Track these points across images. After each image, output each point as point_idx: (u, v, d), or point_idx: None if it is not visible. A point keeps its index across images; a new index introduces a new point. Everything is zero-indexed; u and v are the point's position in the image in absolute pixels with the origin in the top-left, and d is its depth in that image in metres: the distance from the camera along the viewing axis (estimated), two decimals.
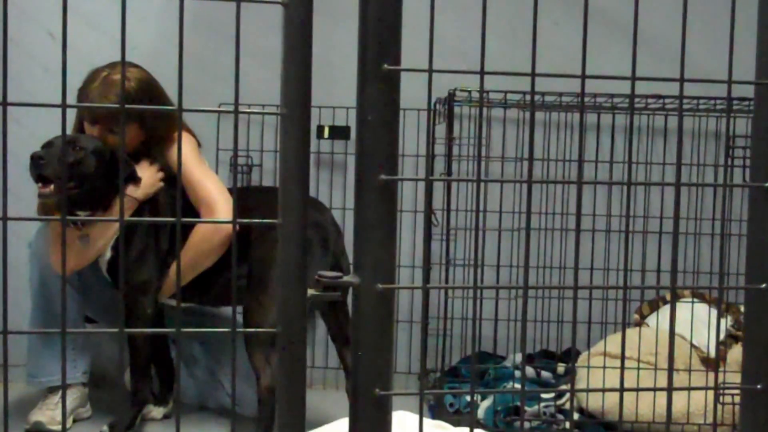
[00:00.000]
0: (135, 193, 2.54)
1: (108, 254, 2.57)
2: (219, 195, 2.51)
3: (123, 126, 0.89)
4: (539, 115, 3.16)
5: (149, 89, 2.54)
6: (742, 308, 2.84)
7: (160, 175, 2.59)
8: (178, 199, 0.91)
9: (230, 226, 2.45)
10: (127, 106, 2.41)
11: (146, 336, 2.60)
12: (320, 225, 2.53)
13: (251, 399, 2.55)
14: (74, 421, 2.71)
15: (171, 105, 2.62)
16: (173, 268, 2.58)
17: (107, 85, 2.48)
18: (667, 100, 2.91)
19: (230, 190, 2.57)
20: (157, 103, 2.55)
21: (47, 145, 2.43)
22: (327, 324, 2.69)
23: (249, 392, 2.58)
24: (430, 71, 0.93)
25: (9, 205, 0.87)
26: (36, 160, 2.34)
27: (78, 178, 2.43)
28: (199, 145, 2.73)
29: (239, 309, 2.56)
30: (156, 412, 2.77)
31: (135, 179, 2.53)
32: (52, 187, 2.33)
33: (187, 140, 2.61)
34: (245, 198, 2.65)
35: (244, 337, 2.46)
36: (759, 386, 1.03)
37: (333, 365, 3.16)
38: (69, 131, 2.62)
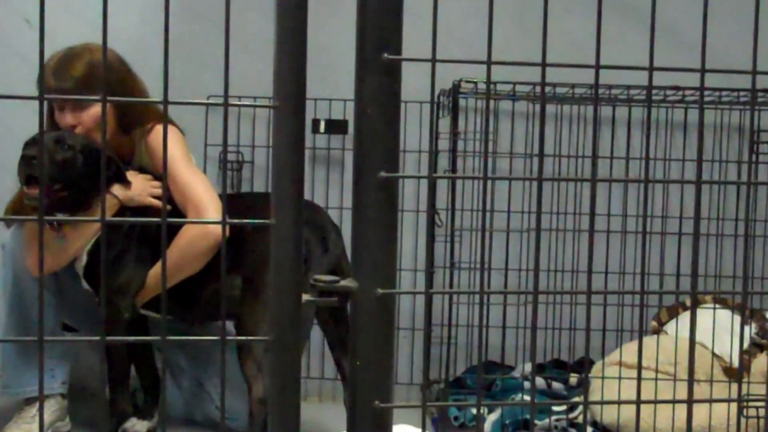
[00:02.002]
0: (119, 193, 2.54)
1: (84, 259, 2.58)
2: (208, 197, 2.50)
3: (104, 124, 0.89)
4: (550, 108, 3.16)
5: (112, 69, 2.55)
6: None
7: (153, 189, 2.59)
8: (163, 198, 0.91)
9: (219, 230, 2.45)
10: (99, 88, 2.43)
11: (124, 343, 2.60)
12: (317, 224, 2.52)
13: (241, 411, 2.55)
14: None
15: (142, 88, 2.63)
16: (153, 270, 2.58)
17: (62, 63, 2.49)
18: (687, 92, 2.91)
19: (220, 196, 2.57)
20: (124, 85, 2.55)
21: (32, 143, 2.43)
22: (324, 331, 2.69)
23: (238, 404, 2.58)
24: (434, 61, 0.93)
25: None
26: (28, 160, 2.34)
27: (66, 179, 2.44)
28: (182, 133, 2.72)
29: (233, 319, 2.55)
30: (140, 425, 2.76)
31: (123, 179, 2.53)
32: None
33: (172, 133, 2.61)
34: (238, 204, 2.64)
35: (237, 345, 2.46)
36: None
37: (329, 376, 3.16)
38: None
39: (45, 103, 2.63)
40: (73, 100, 2.54)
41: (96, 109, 2.57)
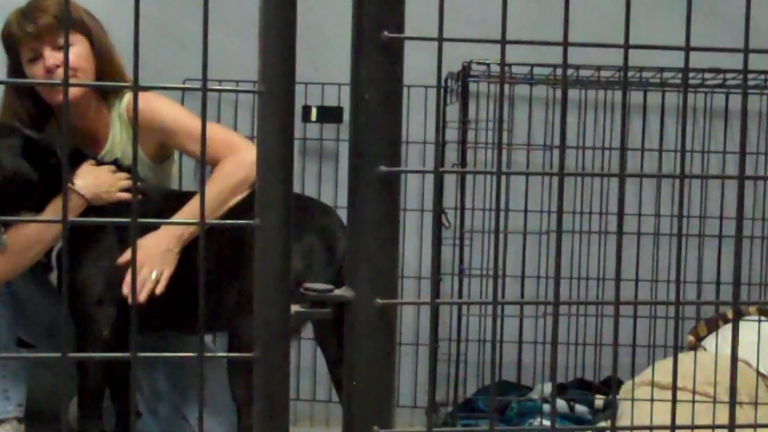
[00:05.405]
0: (85, 191, 2.54)
1: (55, 270, 2.58)
2: (234, 135, 2.61)
3: (66, 121, 0.89)
4: (573, 94, 3.16)
5: (92, 18, 2.62)
6: None
7: (123, 183, 2.59)
8: (133, 189, 0.91)
9: (254, 157, 2.46)
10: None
11: (99, 362, 2.60)
12: (326, 229, 2.53)
13: None
14: None
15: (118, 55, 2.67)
16: (192, 204, 2.58)
17: (29, 6, 2.56)
18: (728, 75, 2.91)
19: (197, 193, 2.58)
20: (102, 40, 2.63)
21: None
22: (322, 348, 2.68)
23: (219, 430, 2.59)
24: (440, 40, 0.93)
25: None
26: None
27: None
28: None
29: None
30: None
31: (51, 177, 2.52)
32: None
33: (156, 96, 2.63)
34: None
35: (227, 363, 2.46)
36: None
37: (322, 397, 3.16)
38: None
39: (8, 62, 2.68)
40: (51, 39, 2.55)
41: (79, 47, 2.59)
